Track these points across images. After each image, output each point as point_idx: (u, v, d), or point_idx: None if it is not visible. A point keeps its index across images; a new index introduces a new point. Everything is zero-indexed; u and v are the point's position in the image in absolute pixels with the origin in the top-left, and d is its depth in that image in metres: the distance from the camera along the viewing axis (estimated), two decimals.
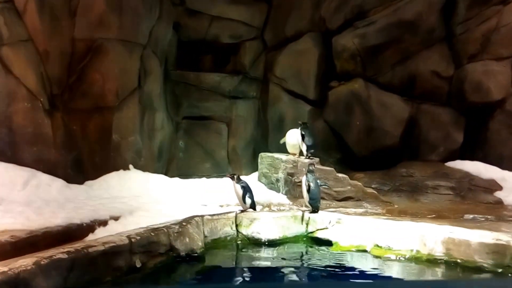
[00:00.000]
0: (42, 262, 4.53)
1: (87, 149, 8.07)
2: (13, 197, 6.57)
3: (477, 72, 9.49)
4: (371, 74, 9.83)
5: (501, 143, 9.36)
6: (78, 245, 5.10)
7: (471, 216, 7.06)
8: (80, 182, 7.71)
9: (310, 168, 6.51)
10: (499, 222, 6.74)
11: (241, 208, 6.37)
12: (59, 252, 4.76)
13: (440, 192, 8.59)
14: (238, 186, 6.33)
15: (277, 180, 8.28)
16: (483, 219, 6.94)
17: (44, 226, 5.79)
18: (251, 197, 6.36)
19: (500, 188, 8.63)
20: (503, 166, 9.05)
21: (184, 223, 5.70)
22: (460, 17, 9.60)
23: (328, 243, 5.98)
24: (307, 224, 6.20)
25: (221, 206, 7.31)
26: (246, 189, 6.34)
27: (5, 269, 4.35)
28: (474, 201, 8.34)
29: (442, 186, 8.64)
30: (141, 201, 7.30)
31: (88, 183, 7.78)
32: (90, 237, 5.85)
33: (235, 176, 6.45)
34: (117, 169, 8.12)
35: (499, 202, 8.31)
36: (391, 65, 9.73)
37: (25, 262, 4.49)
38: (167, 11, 9.39)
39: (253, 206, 6.39)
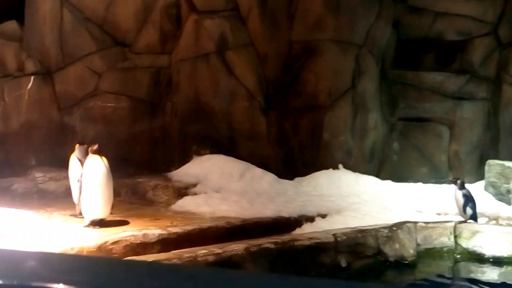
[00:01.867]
0: (252, 249, 4.92)
1: (298, 146, 8.23)
2: (230, 187, 7.07)
3: None
4: None
5: None
6: (285, 237, 5.45)
7: None
8: (290, 177, 7.86)
9: None
10: None
11: (461, 219, 5.80)
12: (267, 242, 5.13)
13: None
14: (460, 193, 5.77)
15: (508, 192, 7.53)
16: None
17: (255, 216, 6.14)
18: (473, 207, 5.76)
19: None
20: None
21: (394, 228, 5.48)
22: None
23: None
24: None
25: (439, 214, 6.77)
26: (468, 198, 5.75)
27: (220, 251, 4.87)
28: None
29: None
30: (349, 201, 7.14)
31: (297, 179, 7.88)
32: (297, 231, 5.99)
33: (458, 182, 5.87)
34: (326, 168, 8.10)
35: None
36: None
37: (237, 247, 4.95)
38: (387, 10, 9.05)
39: (474, 217, 5.75)
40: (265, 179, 7.51)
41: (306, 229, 5.99)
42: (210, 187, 7.08)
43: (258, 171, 7.59)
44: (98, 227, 5.43)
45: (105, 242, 4.98)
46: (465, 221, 5.70)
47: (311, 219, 6.33)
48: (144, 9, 8.33)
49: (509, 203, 7.29)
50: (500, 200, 7.49)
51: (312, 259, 5.01)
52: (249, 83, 8.02)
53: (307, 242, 5.10)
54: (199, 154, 7.87)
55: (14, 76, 8.60)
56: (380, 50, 9.04)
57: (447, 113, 9.40)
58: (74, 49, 8.41)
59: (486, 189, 7.84)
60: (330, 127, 8.30)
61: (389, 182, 8.25)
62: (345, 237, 5.18)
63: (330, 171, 8.09)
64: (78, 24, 8.42)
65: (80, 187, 5.49)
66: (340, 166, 8.26)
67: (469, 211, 5.69)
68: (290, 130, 8.21)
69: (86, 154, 5.67)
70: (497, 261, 5.39)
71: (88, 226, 5.46)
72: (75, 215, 5.83)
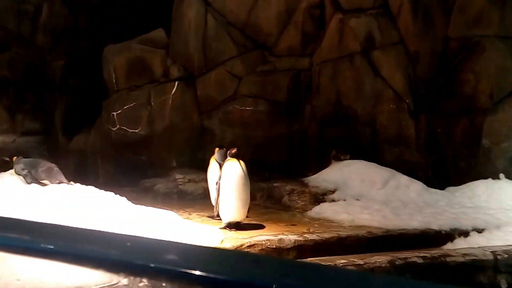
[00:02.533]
0: (397, 263, 4.57)
1: (452, 153, 7.60)
2: (372, 195, 6.67)
3: None
4: None
5: None
6: (435, 251, 4.97)
7: None
8: (441, 187, 7.25)
9: None
10: None
11: None
12: (414, 256, 4.72)
13: None
14: None
15: None
16: None
17: (400, 227, 5.67)
18: None
19: None
20: None
21: None
22: None
23: None
24: None
25: None
26: None
27: (361, 262, 4.57)
28: None
29: None
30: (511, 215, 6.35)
31: (450, 189, 7.26)
32: (448, 246, 5.43)
33: None
34: (485, 177, 7.36)
35: None
36: None
37: (380, 259, 4.62)
38: None
39: None
40: (412, 187, 6.95)
41: (459, 244, 5.44)
42: (350, 194, 6.73)
43: (404, 178, 7.05)
44: (234, 229, 5.43)
45: (241, 245, 4.94)
46: None
47: (465, 233, 5.73)
48: (287, 10, 8.28)
49: None
50: None
51: (466, 277, 4.58)
52: (397, 84, 7.56)
53: (461, 259, 4.68)
54: (339, 159, 7.55)
55: (160, 81, 9.04)
56: None
57: None
58: (217, 54, 8.62)
59: None
60: (490, 132, 7.54)
61: None
62: (506, 256, 4.71)
63: (490, 181, 7.31)
64: (221, 29, 8.63)
65: (218, 189, 5.55)
66: (502, 175, 7.44)
67: None
68: (442, 135, 7.62)
69: (225, 157, 5.70)
70: None
71: (224, 228, 5.47)
72: (212, 217, 5.90)
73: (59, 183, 6.11)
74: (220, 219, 5.56)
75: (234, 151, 5.48)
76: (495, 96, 7.60)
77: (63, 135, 11.87)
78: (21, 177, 6.30)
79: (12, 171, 6.56)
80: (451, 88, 7.60)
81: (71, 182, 6.19)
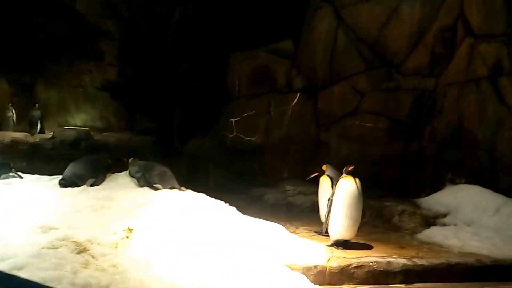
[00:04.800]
0: None
1: None
2: (483, 221, 6.58)
3: None
4: None
5: None
6: None
7: None
8: None
9: None
10: None
11: None
12: None
13: None
14: None
15: None
16: None
17: (510, 256, 5.61)
18: None
19: None
20: None
21: None
22: None
23: None
24: None
25: None
26: None
27: None
28: None
29: None
30: None
31: None
32: None
33: None
34: None
35: None
36: None
37: None
38: None
39: None
40: None
41: None
42: (461, 219, 6.72)
43: None
44: (341, 248, 5.44)
45: (349, 265, 4.96)
46: None
47: None
48: (418, 31, 8.34)
49: None
50: None
51: None
52: None
53: None
54: (453, 182, 7.55)
55: (282, 91, 9.26)
56: None
57: None
58: (343, 68, 8.81)
59: None
60: None
61: None
62: None
63: None
64: (351, 44, 8.81)
65: (330, 206, 5.53)
66: None
67: None
68: None
69: (338, 173, 5.75)
70: None
71: (332, 246, 5.49)
72: (320, 233, 5.95)
73: (171, 188, 6.09)
74: (328, 236, 5.60)
75: (351, 168, 5.52)
76: None
77: (178, 137, 12.17)
78: (135, 179, 6.27)
79: (126, 172, 6.54)
80: None
81: (183, 188, 6.15)
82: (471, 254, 5.67)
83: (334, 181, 5.75)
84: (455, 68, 7.84)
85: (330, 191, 5.69)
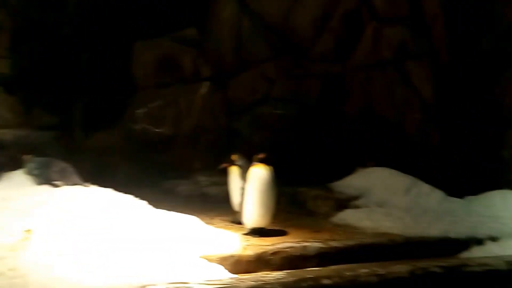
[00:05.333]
0: (417, 272, 4.61)
1: (472, 164, 7.81)
2: (394, 202, 6.80)
3: None
4: None
5: None
6: (453, 261, 5.09)
7: None
8: (460, 196, 7.43)
9: None
10: None
11: None
12: (433, 265, 4.77)
13: None
14: None
15: None
16: None
17: (420, 235, 5.81)
18: None
19: None
20: None
21: None
22: None
23: None
24: None
25: None
26: None
27: (383, 272, 4.60)
28: None
29: None
30: None
31: (468, 198, 7.43)
32: (464, 254, 5.62)
33: None
34: (501, 188, 7.51)
35: None
36: None
37: (401, 269, 4.67)
38: None
39: None
40: (432, 196, 7.16)
41: (475, 252, 5.65)
42: (373, 201, 6.91)
43: (426, 187, 7.25)
44: (258, 236, 5.40)
45: (265, 252, 4.89)
46: None
47: (480, 242, 5.93)
48: (323, 16, 8.38)
49: None
50: None
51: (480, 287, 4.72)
52: (427, 94, 7.82)
53: (477, 269, 4.80)
54: (365, 165, 7.69)
55: (189, 81, 9.02)
56: None
57: None
58: (250, 55, 8.70)
59: None
60: (510, 144, 7.80)
61: None
62: None
63: (506, 191, 7.45)
64: (257, 30, 8.70)
65: (243, 195, 5.49)
66: None
67: None
68: (466, 145, 7.87)
69: (248, 162, 5.65)
70: None
71: (248, 234, 5.44)
72: (235, 222, 5.88)
73: (73, 185, 5.71)
74: (243, 225, 5.55)
75: (262, 156, 5.44)
76: None
77: (82, 131, 11.54)
78: (33, 177, 5.84)
79: (23, 170, 6.02)
80: (478, 100, 7.79)
81: (87, 184, 5.83)
82: (383, 234, 5.80)
83: (243, 171, 5.66)
84: (361, 52, 8.01)
85: (240, 180, 5.64)
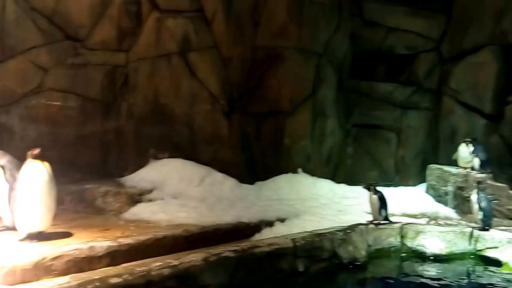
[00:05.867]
0: (211, 259, 4.36)
1: (260, 151, 7.84)
2: (189, 193, 6.51)
3: None
4: None
5: None
6: (245, 244, 4.92)
7: None
8: (251, 182, 7.45)
9: (481, 184, 6.03)
10: None
11: (374, 220, 5.70)
12: (227, 250, 4.59)
13: None
14: (375, 198, 5.74)
15: (446, 194, 7.50)
16: None
17: (215, 222, 5.65)
18: (386, 209, 5.76)
19: None
20: None
21: (348, 231, 5.39)
22: None
23: (497, 263, 5.34)
24: (475, 242, 5.62)
25: None
26: (382, 201, 5.74)
27: (176, 262, 4.22)
28: None
29: None
30: (308, 204, 6.90)
31: (258, 183, 7.47)
32: (257, 236, 5.58)
33: (371, 187, 5.87)
34: (287, 172, 7.76)
35: None
36: None
37: (194, 258, 4.34)
38: (345, 22, 8.94)
39: (387, 218, 5.78)
40: (226, 184, 7.04)
41: (265, 234, 5.63)
42: (168, 193, 6.51)
43: (219, 176, 7.11)
44: (36, 240, 4.58)
45: (43, 258, 4.19)
46: (379, 223, 5.70)
47: (270, 223, 5.98)
48: (101, 3, 7.57)
49: (446, 204, 7.50)
50: (439, 201, 7.65)
51: (272, 265, 4.66)
52: (212, 86, 7.54)
53: (266, 249, 4.70)
54: (157, 158, 7.22)
55: None
56: (339, 61, 9.01)
57: (395, 121, 9.54)
58: (18, 41, 7.43)
59: (427, 191, 8.03)
60: (291, 133, 8.04)
61: (343, 185, 8.16)
62: (303, 242, 4.92)
63: (290, 175, 7.77)
64: (23, 14, 7.44)
65: (14, 195, 4.60)
66: (300, 170, 7.99)
67: (383, 212, 5.75)
68: (252, 134, 7.81)
69: (14, 160, 4.77)
70: (437, 259, 5.50)
71: (24, 239, 4.59)
72: (7, 228, 4.88)
73: None
74: (18, 230, 4.60)
75: (36, 151, 4.61)
76: (294, 101, 8.11)
77: None
78: None
79: None
80: (259, 92, 7.87)
81: None
82: (179, 225, 5.48)
83: (7, 170, 4.71)
84: (145, 43, 7.48)
85: (4, 181, 4.66)
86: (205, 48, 7.41)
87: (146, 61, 7.37)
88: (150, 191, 6.38)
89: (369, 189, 5.80)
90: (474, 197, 5.80)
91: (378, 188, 5.89)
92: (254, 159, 7.74)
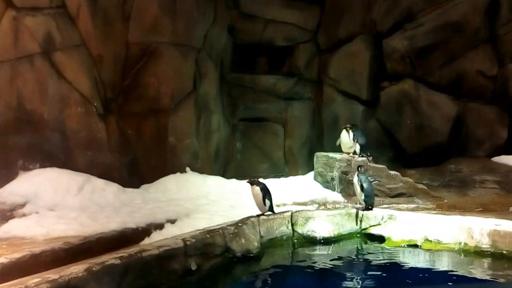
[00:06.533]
0: (94, 269, 4.16)
1: (143, 152, 7.66)
2: (67, 203, 6.18)
3: None
4: (420, 74, 9.59)
5: None
6: (132, 249, 4.75)
7: None
8: (136, 185, 7.27)
9: (360, 168, 6.36)
10: None
11: (259, 212, 5.82)
12: (112, 258, 4.39)
13: (487, 186, 8.38)
14: (257, 189, 5.84)
15: (332, 179, 7.96)
16: None
17: (98, 231, 5.42)
18: (270, 199, 5.89)
19: None
20: None
21: (240, 224, 5.46)
22: (503, 18, 9.38)
23: (381, 239, 5.82)
24: (360, 221, 6.05)
25: (278, 205, 6.81)
26: (266, 191, 5.86)
27: (56, 276, 3.97)
28: None
29: (488, 181, 8.44)
30: (198, 203, 6.89)
31: (144, 186, 7.33)
32: (146, 241, 5.44)
33: (253, 181, 5.96)
34: (174, 172, 7.68)
35: None
36: (439, 66, 9.51)
37: (76, 269, 4.12)
38: (222, 15, 9.00)
39: (271, 208, 5.91)
40: (108, 190, 6.79)
41: (155, 237, 5.51)
42: (43, 205, 6.09)
43: (100, 182, 6.84)
44: None
45: None
46: (263, 214, 5.83)
47: (160, 226, 5.90)
48: None
49: (334, 189, 7.89)
50: (327, 187, 8.06)
51: (162, 268, 4.58)
52: (83, 87, 7.16)
53: (155, 251, 4.58)
54: (27, 169, 6.70)
55: None
56: (218, 54, 9.06)
57: (280, 112, 9.89)
58: None
59: (315, 178, 8.39)
60: (175, 131, 7.93)
61: (234, 180, 8.28)
62: (194, 240, 4.88)
63: (178, 174, 7.73)
64: None
65: None
66: (188, 169, 7.97)
67: (267, 203, 5.88)
68: (133, 135, 7.62)
69: None
70: (327, 241, 5.80)
71: None
72: None
73: None
74: None
75: None
76: (175, 98, 8.00)
77: None
78: None
79: None
80: (137, 91, 7.66)
81: None
82: (58, 238, 5.18)
83: None
84: (2, 44, 6.82)
85: None
86: (71, 46, 7.04)
87: (5, 64, 6.78)
88: (23, 205, 5.98)
89: (252, 183, 5.85)
90: (355, 179, 6.17)
91: (261, 180, 6.04)
92: (138, 161, 7.55)
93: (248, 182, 5.98)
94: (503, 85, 9.34)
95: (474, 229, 5.32)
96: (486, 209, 6.92)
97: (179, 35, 7.89)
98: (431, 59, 9.39)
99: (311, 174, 8.51)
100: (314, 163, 8.40)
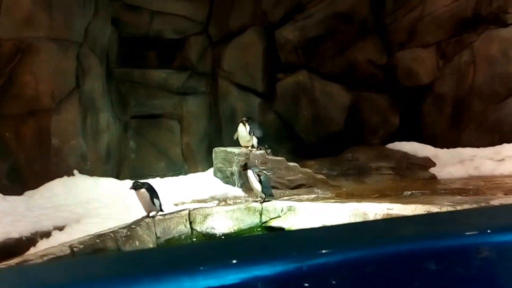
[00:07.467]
0: None
1: (24, 156, 7.27)
2: None
3: (407, 59, 9.86)
4: (314, 65, 9.93)
5: (432, 123, 9.72)
6: (14, 261, 4.52)
7: (409, 192, 7.25)
8: (19, 193, 6.91)
9: (249, 164, 6.52)
10: (433, 195, 6.93)
11: (153, 213, 5.64)
12: None
13: (382, 172, 8.84)
14: (143, 191, 5.57)
15: (232, 174, 7.99)
16: (419, 194, 7.13)
17: None
18: (158, 198, 5.70)
19: (433, 164, 8.98)
20: (435, 144, 9.35)
21: (133, 226, 5.31)
22: (388, 8, 9.94)
23: (282, 230, 5.92)
24: (260, 214, 6.09)
25: (176, 204, 6.81)
26: (152, 191, 5.65)
27: None
28: (412, 178, 8.71)
29: (383, 167, 8.91)
30: (90, 207, 6.65)
31: (28, 193, 6.98)
32: (32, 250, 5.17)
33: (136, 185, 5.65)
34: (61, 176, 7.36)
35: (433, 177, 8.69)
36: (331, 56, 9.89)
37: None
38: (104, 7, 8.69)
39: (161, 208, 5.75)
40: None
41: (42, 246, 5.27)
42: None
43: None
44: None
45: None
46: (156, 214, 5.68)
47: (47, 234, 5.62)
48: None
49: (234, 185, 7.92)
50: (227, 183, 8.06)
51: (48, 277, 4.14)
52: None
53: (39, 261, 4.39)
54: None
55: None
56: (103, 48, 8.77)
57: (175, 108, 9.78)
58: None
59: (215, 174, 8.36)
60: (58, 132, 7.59)
61: (128, 181, 7.92)
62: (82, 246, 4.73)
63: (65, 178, 7.41)
64: None
65: None
66: (76, 171, 7.67)
67: (156, 202, 5.76)
68: (11, 139, 7.23)
69: None
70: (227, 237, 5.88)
71: None
72: None
73: None
74: None
75: None
76: (56, 96, 7.67)
77: None
78: None
79: None
80: (13, 91, 7.27)
81: None
82: None
83: None
84: None
85: None
86: None
87: None
88: None
89: (135, 188, 5.61)
90: (250, 173, 6.20)
91: (143, 181, 5.82)
92: (18, 167, 7.21)
93: (131, 188, 5.66)
94: (392, 74, 9.86)
95: (368, 214, 5.53)
96: (382, 195, 7.23)
97: (57, 29, 7.56)
98: (323, 49, 9.75)
99: (211, 170, 8.48)
100: (213, 158, 8.36)
